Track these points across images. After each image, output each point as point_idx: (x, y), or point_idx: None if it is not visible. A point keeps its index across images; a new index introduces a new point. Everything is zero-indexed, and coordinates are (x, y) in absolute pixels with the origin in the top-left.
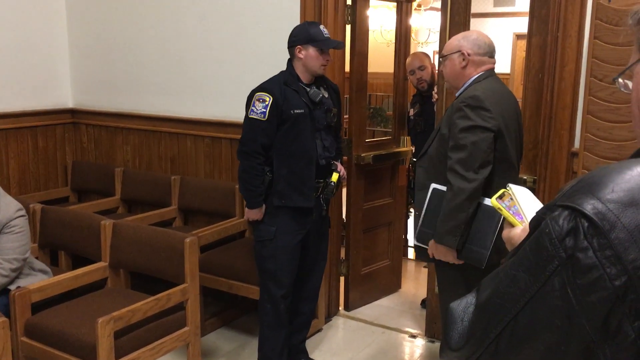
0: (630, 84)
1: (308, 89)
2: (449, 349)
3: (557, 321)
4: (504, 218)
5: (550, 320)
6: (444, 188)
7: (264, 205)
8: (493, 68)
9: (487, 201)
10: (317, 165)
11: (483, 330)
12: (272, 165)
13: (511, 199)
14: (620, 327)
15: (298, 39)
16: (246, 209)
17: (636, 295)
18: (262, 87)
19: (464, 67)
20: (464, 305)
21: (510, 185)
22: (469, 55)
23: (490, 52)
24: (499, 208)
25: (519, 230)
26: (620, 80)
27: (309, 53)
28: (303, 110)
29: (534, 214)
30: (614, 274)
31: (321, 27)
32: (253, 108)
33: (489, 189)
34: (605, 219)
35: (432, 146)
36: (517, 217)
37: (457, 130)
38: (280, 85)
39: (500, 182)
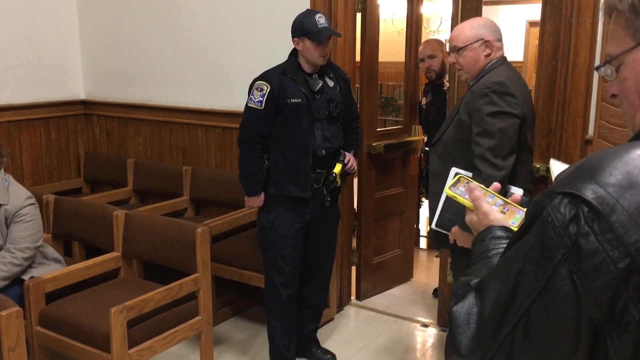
0: (610, 70)
1: (309, 78)
2: (459, 355)
3: (570, 309)
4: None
5: (564, 309)
6: (467, 173)
7: (262, 193)
8: (504, 53)
9: (514, 189)
10: (316, 155)
11: (495, 329)
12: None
13: (467, 183)
14: (626, 309)
15: (294, 31)
16: (245, 197)
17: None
18: (262, 76)
19: (488, 55)
20: (467, 308)
21: (454, 168)
22: (491, 42)
23: (501, 37)
24: (453, 196)
25: (474, 216)
26: (602, 68)
27: (305, 45)
28: (300, 100)
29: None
30: (616, 256)
31: (317, 16)
32: (251, 96)
33: (512, 176)
34: (605, 202)
35: (446, 132)
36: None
37: (483, 116)
38: (279, 75)
39: (521, 168)
